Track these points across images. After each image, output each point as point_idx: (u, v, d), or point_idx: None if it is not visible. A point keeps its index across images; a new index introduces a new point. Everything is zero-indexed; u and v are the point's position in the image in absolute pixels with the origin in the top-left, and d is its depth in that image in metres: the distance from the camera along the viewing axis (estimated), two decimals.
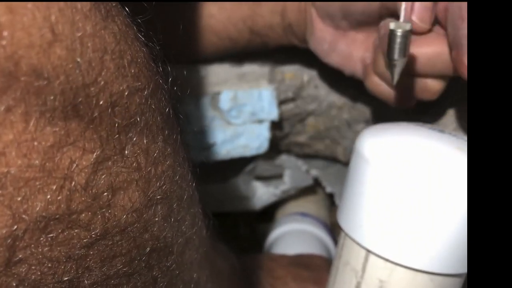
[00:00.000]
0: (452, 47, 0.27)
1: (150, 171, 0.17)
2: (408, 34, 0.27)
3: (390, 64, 0.28)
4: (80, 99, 0.14)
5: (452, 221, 0.23)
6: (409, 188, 0.23)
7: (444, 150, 0.24)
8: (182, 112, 0.41)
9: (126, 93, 0.15)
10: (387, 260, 0.25)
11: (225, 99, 0.43)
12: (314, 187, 0.60)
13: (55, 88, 0.13)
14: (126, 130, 0.16)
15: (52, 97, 0.13)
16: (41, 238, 0.15)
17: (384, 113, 0.45)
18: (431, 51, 0.29)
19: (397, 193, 0.24)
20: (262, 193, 0.56)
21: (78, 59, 0.14)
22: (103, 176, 0.15)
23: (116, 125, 0.15)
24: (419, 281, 0.25)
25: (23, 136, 0.13)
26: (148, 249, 0.18)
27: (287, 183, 0.55)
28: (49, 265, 0.15)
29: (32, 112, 0.13)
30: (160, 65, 0.18)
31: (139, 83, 0.16)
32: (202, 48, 0.39)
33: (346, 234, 0.27)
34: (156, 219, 0.18)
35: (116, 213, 0.16)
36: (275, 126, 0.48)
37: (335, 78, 0.46)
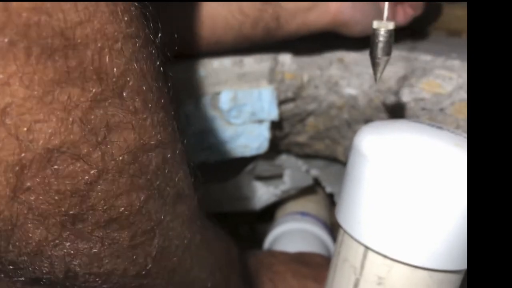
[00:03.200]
0: None
1: (146, 118, 0.18)
2: (391, 33, 0.28)
3: (373, 62, 0.29)
4: (79, 40, 0.15)
5: (451, 217, 0.23)
6: (407, 185, 0.23)
7: (443, 147, 0.24)
8: (182, 112, 0.41)
9: (121, 37, 0.17)
10: (385, 256, 0.25)
11: (225, 99, 0.43)
12: (314, 187, 0.60)
13: (54, 25, 0.15)
14: (124, 74, 0.17)
15: (51, 34, 0.15)
16: (47, 170, 0.16)
17: (383, 113, 0.45)
18: None
19: (395, 190, 0.24)
20: (262, 193, 0.56)
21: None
22: (100, 113, 0.17)
23: (115, 69, 0.17)
24: (418, 277, 0.25)
25: (25, 68, 0.15)
26: (143, 196, 0.20)
27: (287, 183, 0.55)
28: (56, 197, 0.17)
29: (33, 47, 0.15)
30: (152, 22, 0.19)
31: (132, 29, 0.17)
32: (211, 25, 0.40)
33: (345, 231, 0.27)
34: (152, 163, 0.19)
35: (113, 151, 0.18)
36: (275, 126, 0.48)
37: (335, 78, 0.47)
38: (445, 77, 0.40)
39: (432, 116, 0.41)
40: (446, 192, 0.23)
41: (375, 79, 0.30)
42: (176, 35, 0.38)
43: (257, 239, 0.62)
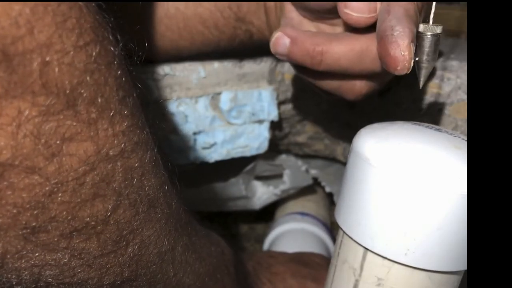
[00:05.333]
0: (377, 40, 0.27)
1: (106, 129, 0.18)
2: (438, 37, 0.27)
3: (417, 66, 0.28)
4: (21, 55, 0.15)
5: (450, 219, 0.23)
6: (407, 188, 0.23)
7: (442, 150, 0.24)
8: (182, 112, 0.42)
9: (72, 50, 0.16)
10: (384, 258, 0.25)
11: (225, 100, 0.43)
12: (314, 186, 0.61)
13: None
14: (78, 86, 0.17)
15: None
16: (4, 183, 0.16)
17: (383, 113, 0.45)
18: (359, 46, 0.29)
19: (395, 193, 0.24)
20: (262, 193, 0.56)
21: (14, 14, 0.15)
22: (53, 126, 0.16)
23: (66, 82, 0.16)
24: (417, 278, 0.25)
25: None
26: (109, 205, 0.20)
27: (287, 182, 0.56)
28: (14, 210, 0.17)
29: None
30: (111, 32, 0.19)
31: (84, 42, 0.17)
32: (190, 39, 0.40)
33: (344, 233, 0.27)
34: (116, 173, 0.19)
35: (71, 163, 0.17)
36: (275, 126, 0.48)
37: None
38: (444, 78, 0.41)
39: (431, 117, 0.41)
40: (445, 195, 0.23)
41: (419, 84, 0.28)
42: (154, 44, 0.39)
43: (257, 238, 0.62)
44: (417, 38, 0.27)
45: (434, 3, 0.27)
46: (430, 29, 0.27)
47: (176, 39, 0.39)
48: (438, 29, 0.27)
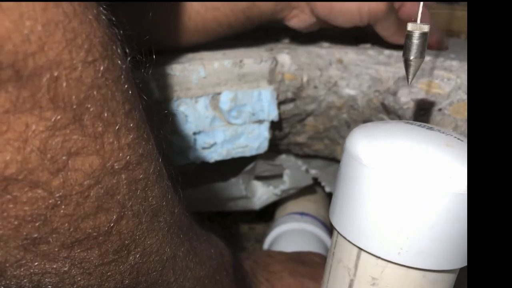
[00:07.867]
0: None
1: (111, 142, 0.18)
2: (426, 36, 0.28)
3: (406, 64, 0.29)
4: (32, 71, 0.15)
5: (442, 218, 0.23)
6: (399, 187, 0.23)
7: (434, 148, 0.24)
8: (182, 112, 0.42)
9: (80, 65, 0.16)
10: (378, 257, 0.25)
11: (225, 100, 0.43)
12: (314, 186, 0.61)
13: (4, 58, 0.14)
14: (85, 101, 0.17)
15: (3, 67, 0.15)
16: (4, 197, 0.16)
17: (382, 113, 0.45)
18: None
19: (388, 192, 0.24)
20: (262, 193, 0.56)
21: (26, 31, 0.15)
22: (59, 141, 0.17)
23: (73, 97, 0.16)
24: (411, 277, 0.25)
25: None
26: (113, 217, 0.20)
27: (287, 182, 0.56)
28: (15, 222, 0.17)
29: None
30: (120, 45, 0.19)
31: (94, 57, 0.17)
32: (205, 34, 0.44)
33: (338, 233, 0.27)
34: (121, 185, 0.19)
35: (76, 177, 0.17)
36: (275, 126, 0.48)
37: (334, 78, 0.47)
38: (444, 78, 0.40)
39: (431, 117, 0.41)
40: (437, 193, 0.23)
41: (408, 81, 0.30)
42: (161, 23, 0.40)
43: (257, 239, 0.62)
44: (406, 37, 0.29)
45: (421, 3, 0.28)
46: (418, 28, 0.28)
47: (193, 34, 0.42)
48: (426, 28, 0.28)
